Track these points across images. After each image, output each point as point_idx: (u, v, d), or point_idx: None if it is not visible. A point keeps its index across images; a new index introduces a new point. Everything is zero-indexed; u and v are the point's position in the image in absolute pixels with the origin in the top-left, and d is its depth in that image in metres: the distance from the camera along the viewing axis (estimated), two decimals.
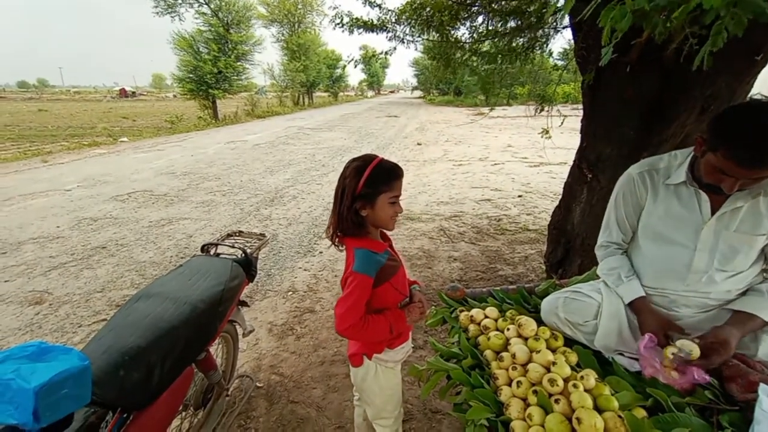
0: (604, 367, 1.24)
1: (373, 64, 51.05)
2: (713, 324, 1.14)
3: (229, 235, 1.85)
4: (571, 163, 2.31)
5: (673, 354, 1.05)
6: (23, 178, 6.34)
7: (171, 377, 1.20)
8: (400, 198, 1.14)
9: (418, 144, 10.27)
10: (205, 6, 15.99)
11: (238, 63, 17.17)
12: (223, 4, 16.35)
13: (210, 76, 15.71)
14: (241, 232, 1.89)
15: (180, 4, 15.50)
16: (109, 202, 5.09)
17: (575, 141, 2.25)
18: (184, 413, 1.56)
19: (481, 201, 5.15)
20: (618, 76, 1.71)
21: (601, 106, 1.99)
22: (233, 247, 1.71)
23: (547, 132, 2.59)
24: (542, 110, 2.58)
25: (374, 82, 62.68)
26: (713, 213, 1.13)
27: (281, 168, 7.23)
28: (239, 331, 1.79)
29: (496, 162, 7.75)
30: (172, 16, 15.53)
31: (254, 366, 2.14)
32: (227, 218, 4.49)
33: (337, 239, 1.16)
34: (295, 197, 5.33)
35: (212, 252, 1.71)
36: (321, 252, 3.63)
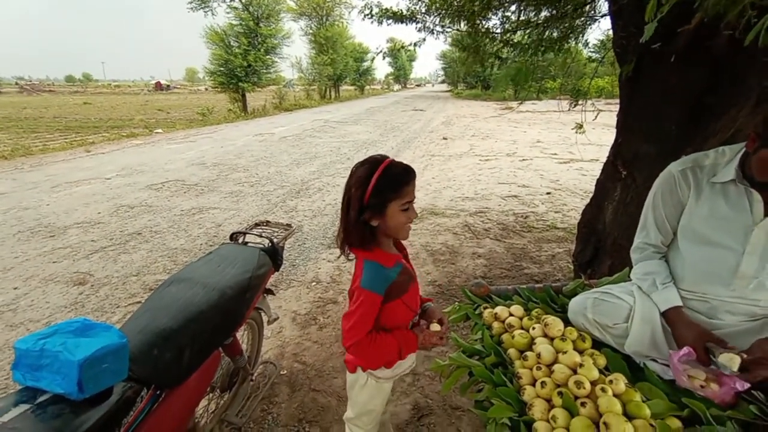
0: (635, 372, 1.19)
1: (400, 57, 50.63)
2: (759, 335, 1.06)
3: (256, 225, 1.89)
4: (604, 159, 2.21)
5: (712, 372, 0.99)
6: (69, 167, 6.73)
7: (200, 359, 1.24)
8: (416, 199, 1.04)
9: (444, 138, 10.13)
10: (237, 0, 16.32)
11: (267, 56, 17.47)
12: None
13: (240, 69, 16.07)
14: (268, 222, 1.93)
15: None
16: (144, 190, 5.33)
17: (608, 137, 2.15)
18: (210, 395, 1.62)
19: (508, 197, 5.03)
20: (661, 66, 1.61)
21: (641, 100, 1.88)
22: (261, 236, 1.75)
23: (581, 127, 2.48)
24: (576, 104, 2.47)
25: (401, 75, 62.22)
26: (766, 214, 1.06)
27: (307, 160, 7.33)
28: (264, 318, 1.84)
29: (524, 158, 7.54)
30: (205, 11, 15.95)
31: (278, 353, 2.19)
32: (255, 209, 4.61)
33: (347, 250, 1.08)
34: (321, 189, 5.40)
35: (240, 240, 1.76)
36: None
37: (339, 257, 3.36)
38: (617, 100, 2.09)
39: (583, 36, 2.51)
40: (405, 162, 1.04)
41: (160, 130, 11.54)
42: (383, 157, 1.01)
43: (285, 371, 2.05)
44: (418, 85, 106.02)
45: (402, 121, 14.49)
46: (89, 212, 4.45)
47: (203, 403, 1.60)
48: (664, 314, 1.17)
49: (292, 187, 5.55)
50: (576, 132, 2.56)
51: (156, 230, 3.97)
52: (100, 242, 3.66)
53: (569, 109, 2.65)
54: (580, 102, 2.49)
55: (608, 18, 2.05)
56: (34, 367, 0.85)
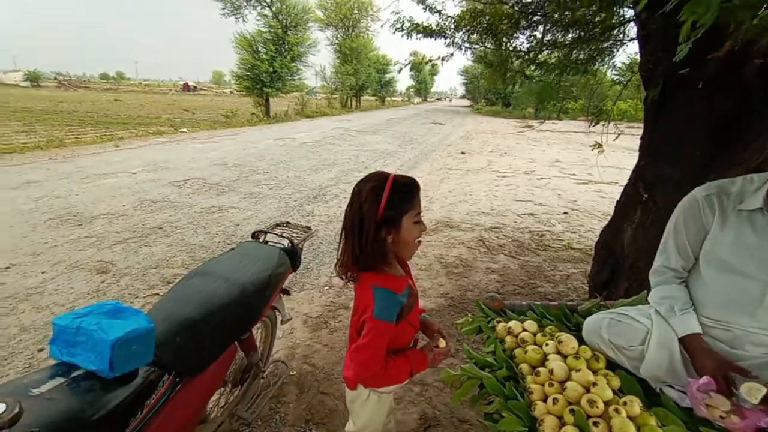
0: (651, 397, 1.18)
1: (422, 71, 51.15)
2: None
3: (277, 225, 1.95)
4: (624, 182, 2.20)
5: (733, 404, 0.97)
6: (99, 160, 7.01)
7: (218, 351, 1.28)
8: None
9: (462, 153, 10.16)
10: (268, 8, 16.86)
11: (293, 64, 17.91)
12: (284, 6, 17.16)
13: (266, 74, 16.50)
14: (288, 223, 1.98)
15: (245, 6, 16.47)
16: (167, 186, 5.50)
17: (628, 160, 2.15)
18: (222, 389, 1.65)
19: (524, 215, 5.00)
20: (688, 92, 1.61)
21: (666, 123, 1.88)
22: (281, 236, 1.80)
23: (600, 146, 2.48)
24: (596, 123, 2.47)
25: (422, 88, 62.76)
26: None
27: (326, 167, 7.44)
28: (278, 317, 1.88)
29: (542, 176, 7.49)
30: (236, 18, 16.53)
31: (288, 354, 2.22)
32: (272, 211, 4.70)
33: (354, 274, 1.02)
34: (337, 196, 5.47)
35: (261, 239, 1.81)
36: None
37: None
38: (639, 124, 2.09)
39: (610, 58, 2.52)
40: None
41: (185, 130, 11.91)
42: (386, 173, 0.98)
43: (294, 372, 2.07)
44: (438, 99, 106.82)
45: (421, 133, 14.59)
46: (115, 204, 4.61)
47: (214, 397, 1.63)
48: (682, 340, 1.15)
49: (309, 192, 5.64)
50: (595, 151, 2.55)
51: (176, 225, 4.08)
52: (123, 234, 3.79)
53: (590, 127, 2.64)
54: (601, 123, 2.48)
55: (635, 42, 2.07)
56: (70, 344, 0.90)
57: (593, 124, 2.52)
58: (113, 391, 0.89)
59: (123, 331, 0.91)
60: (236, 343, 1.45)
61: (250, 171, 6.72)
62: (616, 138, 2.46)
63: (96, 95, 32.01)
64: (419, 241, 1.03)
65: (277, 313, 1.85)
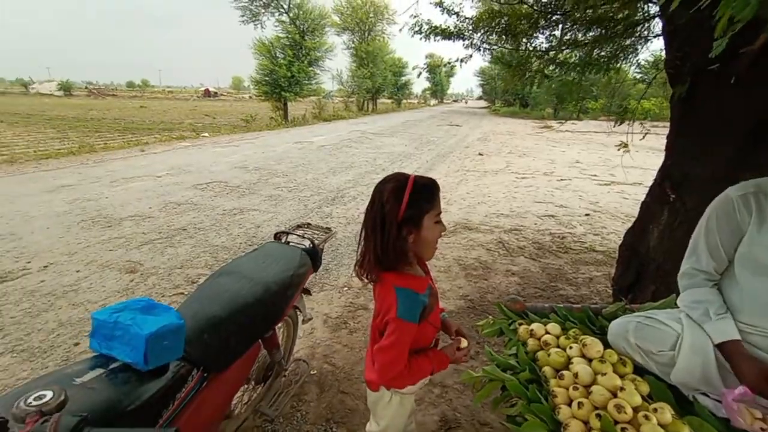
0: (683, 405, 1.13)
1: (438, 73, 51.02)
2: None
3: (299, 226, 1.98)
4: (648, 183, 2.13)
5: None
6: (126, 165, 7.28)
7: (243, 348, 1.32)
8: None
9: (480, 154, 10.06)
10: (285, 14, 17.19)
11: (310, 68, 18.18)
12: (301, 12, 17.46)
13: (284, 79, 16.81)
14: (309, 224, 2.01)
15: (263, 13, 16.84)
16: (190, 189, 5.67)
17: (652, 160, 2.09)
18: (246, 386, 1.69)
19: (544, 216, 4.91)
20: (719, 88, 1.56)
21: (694, 121, 1.82)
22: (302, 237, 1.83)
23: (626, 145, 2.42)
24: (621, 123, 2.40)
25: (438, 90, 62.56)
26: None
27: (343, 169, 7.51)
28: (300, 317, 1.91)
29: (563, 178, 7.34)
30: (255, 24, 16.92)
31: (308, 353, 2.25)
32: (292, 213, 4.77)
33: (374, 275, 1.03)
34: (355, 198, 5.51)
35: (283, 240, 1.85)
36: None
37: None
38: (664, 123, 2.02)
39: (634, 56, 2.46)
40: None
41: (206, 134, 12.24)
42: (406, 174, 0.99)
43: (315, 371, 2.10)
44: (454, 101, 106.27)
45: (438, 135, 14.54)
46: (141, 207, 4.78)
47: (238, 393, 1.67)
48: (720, 347, 1.10)
49: (327, 194, 5.71)
50: (620, 150, 2.49)
51: (200, 227, 4.20)
52: (149, 235, 3.92)
53: (614, 127, 2.57)
54: (626, 122, 2.42)
55: (660, 38, 2.01)
56: (108, 337, 0.95)
57: (617, 123, 2.46)
58: (147, 383, 0.93)
59: (156, 327, 0.95)
60: (260, 341, 1.48)
61: (270, 174, 6.85)
62: (643, 137, 2.39)
63: (123, 102, 33.30)
64: (438, 243, 1.04)
65: (298, 313, 1.88)
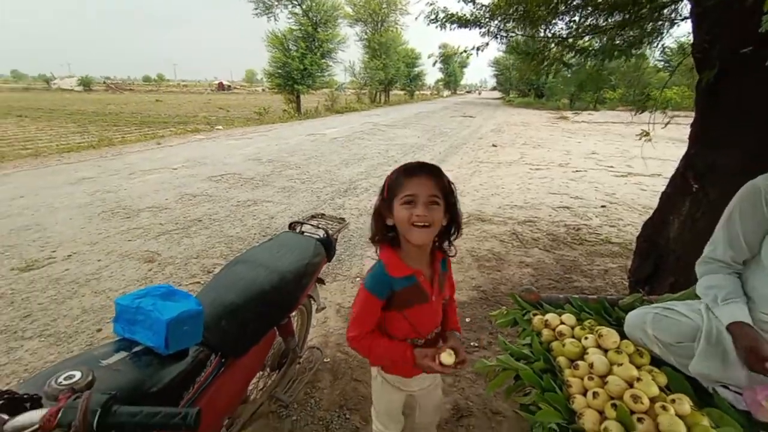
0: (702, 397, 1.12)
1: (451, 63, 50.27)
2: None
3: (313, 216, 2.00)
4: (667, 174, 2.07)
5: None
6: (143, 157, 7.44)
7: (260, 334, 1.34)
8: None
9: (494, 145, 9.93)
10: (298, 6, 17.13)
11: (323, 60, 18.13)
12: (314, 4, 17.37)
13: (296, 72, 16.81)
14: (323, 214, 2.03)
15: (276, 5, 16.81)
16: (205, 181, 5.76)
17: (672, 151, 2.03)
18: (262, 372, 1.73)
19: (559, 208, 4.83)
20: (750, 73, 1.49)
21: (721, 108, 1.75)
22: (317, 227, 1.84)
23: (647, 134, 2.34)
24: (643, 111, 2.32)
25: (451, 81, 61.70)
26: None
27: (356, 161, 7.51)
28: (314, 306, 1.93)
29: (578, 169, 7.19)
30: (268, 17, 16.91)
31: (322, 342, 2.28)
32: (305, 204, 4.81)
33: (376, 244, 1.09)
34: (367, 190, 5.52)
35: (298, 230, 1.86)
36: None
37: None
38: (686, 113, 1.95)
39: (660, 40, 2.35)
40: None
41: (220, 127, 12.38)
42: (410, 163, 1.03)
43: (328, 359, 2.13)
44: (468, 92, 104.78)
45: (451, 126, 14.38)
46: (158, 198, 4.89)
47: (254, 380, 1.71)
48: (729, 329, 1.09)
49: (340, 185, 5.73)
50: (641, 139, 2.41)
51: (215, 218, 4.27)
52: (166, 226, 4.01)
53: (634, 116, 2.49)
54: (648, 111, 2.33)
55: (688, 21, 1.93)
56: (131, 322, 0.98)
57: (638, 112, 2.38)
58: (169, 367, 0.96)
59: (176, 312, 0.97)
60: (275, 328, 1.51)
61: (283, 166, 6.90)
62: (665, 126, 2.31)
63: (139, 97, 33.89)
64: (414, 228, 0.96)
65: (312, 302, 1.90)
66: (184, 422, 0.62)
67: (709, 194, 1.77)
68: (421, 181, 0.96)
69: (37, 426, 0.60)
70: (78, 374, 0.70)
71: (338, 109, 20.48)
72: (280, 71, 16.99)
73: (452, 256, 1.14)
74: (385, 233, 1.05)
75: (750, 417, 1.02)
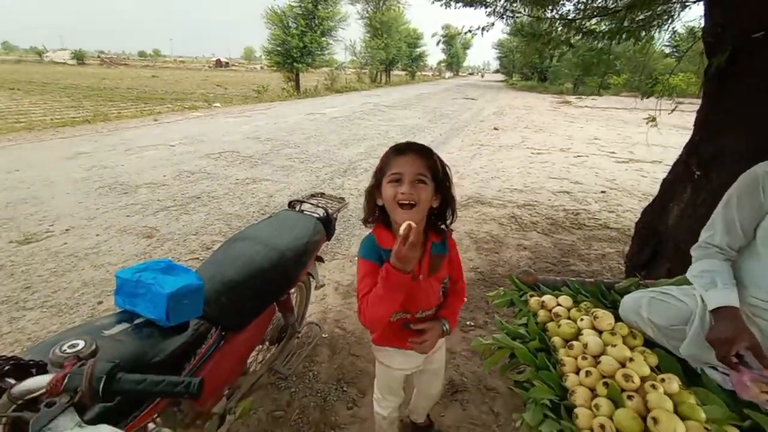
0: (690, 377, 1.15)
1: (454, 44, 49.17)
2: None
3: (313, 195, 1.99)
4: (668, 161, 2.06)
5: None
6: (140, 134, 7.34)
7: (259, 310, 1.36)
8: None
9: (495, 129, 9.83)
10: None
11: (323, 38, 17.69)
12: None
13: (296, 50, 16.42)
14: (323, 193, 2.02)
15: None
16: (203, 158, 5.70)
17: (675, 138, 2.01)
18: (261, 346, 1.76)
19: (559, 192, 4.83)
20: (764, 58, 1.46)
21: (730, 94, 1.73)
22: (317, 206, 1.84)
23: (654, 119, 2.31)
24: (649, 96, 2.28)
25: (453, 62, 60.51)
26: None
27: (355, 142, 7.44)
28: (312, 283, 1.95)
29: (579, 154, 7.16)
30: None
31: (320, 318, 2.32)
32: (304, 183, 4.79)
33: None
34: (367, 170, 5.48)
35: (297, 208, 1.86)
36: None
37: None
38: (690, 100, 1.92)
39: (670, 23, 2.29)
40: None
41: (218, 105, 12.18)
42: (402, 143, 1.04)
43: (326, 335, 2.17)
44: (470, 74, 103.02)
45: (452, 108, 14.20)
46: (156, 175, 4.85)
47: (254, 353, 1.74)
48: (716, 311, 1.08)
49: (339, 166, 5.69)
50: (648, 125, 2.38)
51: (213, 195, 4.25)
52: (164, 202, 4.00)
53: (641, 100, 2.45)
54: (654, 97, 2.30)
55: (700, 4, 1.88)
56: (132, 295, 0.99)
57: (644, 97, 2.34)
58: (170, 339, 0.97)
59: (177, 286, 0.98)
60: (275, 304, 1.52)
61: (282, 145, 6.83)
62: (671, 112, 2.28)
63: (135, 72, 33.12)
64: (399, 206, 0.94)
65: (311, 279, 1.92)
66: (187, 390, 0.63)
67: (712, 181, 1.76)
68: (408, 160, 0.96)
69: (43, 390, 0.61)
70: (82, 343, 0.71)
71: (338, 89, 20.12)
72: (279, 49, 16.59)
73: (447, 238, 1.11)
74: (376, 214, 1.06)
75: (735, 396, 1.05)
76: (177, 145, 6.43)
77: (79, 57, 46.58)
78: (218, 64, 57.10)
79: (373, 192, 1.05)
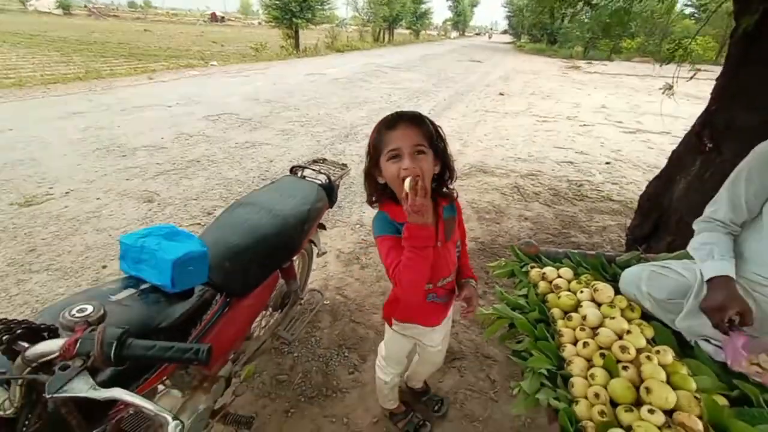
0: (684, 350, 1.18)
1: (461, 1, 46.59)
2: None
3: (314, 161, 1.95)
4: (676, 132, 2.00)
5: None
6: (134, 93, 7.11)
7: (263, 276, 1.37)
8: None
9: (501, 94, 9.54)
10: None
11: None
12: None
13: (295, 3, 15.57)
14: (325, 159, 1.98)
15: None
16: (201, 120, 5.57)
17: (686, 108, 1.93)
18: (265, 312, 1.80)
19: (563, 162, 4.77)
20: None
21: (757, 60, 1.64)
22: (319, 172, 1.81)
23: (671, 88, 2.22)
24: (670, 62, 2.17)
25: (460, 21, 57.65)
26: None
27: (357, 105, 7.24)
28: (315, 250, 1.96)
29: (586, 123, 6.99)
30: None
31: (322, 285, 2.36)
32: (304, 148, 4.71)
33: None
34: (368, 135, 5.36)
35: (299, 174, 1.83)
36: None
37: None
38: (705, 67, 1.83)
39: None
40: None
41: (215, 63, 11.72)
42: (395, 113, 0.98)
43: (328, 302, 2.21)
44: (477, 34, 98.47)
45: (457, 71, 13.70)
46: (154, 137, 4.75)
47: (257, 318, 1.78)
48: (710, 281, 1.09)
49: (341, 130, 5.57)
50: (663, 93, 2.29)
51: (212, 159, 4.19)
52: (164, 166, 3.94)
53: (661, 66, 2.34)
54: (673, 62, 2.18)
55: None
56: (136, 260, 0.99)
57: (663, 63, 2.23)
58: (176, 305, 0.98)
59: (181, 252, 0.98)
60: (278, 271, 1.54)
61: (282, 107, 6.65)
62: (690, 79, 2.18)
63: (125, 25, 31.57)
64: (405, 183, 0.88)
65: (313, 246, 1.92)
66: (196, 357, 0.64)
67: (723, 153, 1.72)
68: (403, 133, 0.93)
69: (56, 354, 0.62)
70: (90, 308, 0.71)
71: (339, 48, 19.30)
72: (277, 2, 15.70)
73: (454, 199, 1.11)
74: (380, 193, 1.04)
75: (726, 368, 1.08)
76: (174, 106, 6.26)
77: (65, 6, 44.24)
78: (213, 18, 54.36)
79: (371, 172, 1.01)
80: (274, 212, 1.43)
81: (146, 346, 0.64)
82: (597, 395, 0.99)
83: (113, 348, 0.62)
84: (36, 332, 0.67)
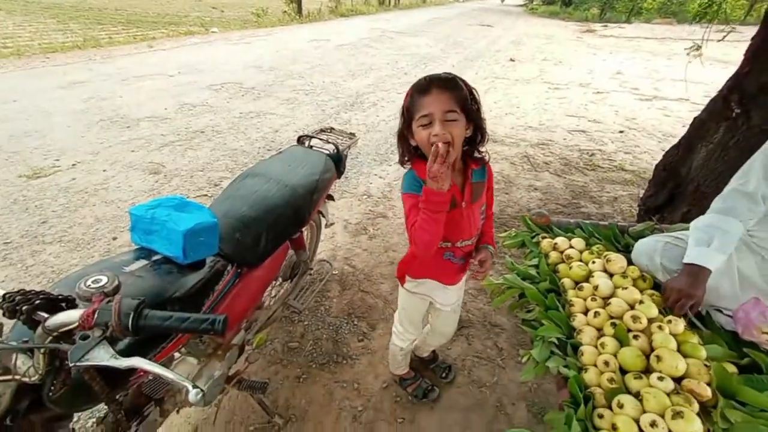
0: (696, 319, 1.17)
1: None
2: None
3: (322, 130, 1.91)
4: (695, 99, 1.90)
5: None
6: (135, 62, 6.93)
7: (273, 247, 1.37)
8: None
9: (511, 60, 9.15)
10: None
11: None
12: None
13: None
14: (332, 128, 1.94)
15: None
16: (204, 90, 5.45)
17: (707, 73, 1.81)
18: (275, 282, 1.82)
19: (575, 131, 4.63)
20: None
21: None
22: (327, 142, 1.77)
23: (699, 48, 2.09)
24: (700, 20, 2.03)
25: None
26: None
27: (363, 72, 7.01)
28: (323, 221, 1.95)
29: (600, 90, 6.72)
30: None
31: (330, 256, 2.37)
32: (309, 118, 4.61)
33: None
34: (375, 104, 5.23)
35: (306, 144, 1.79)
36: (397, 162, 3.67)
37: (389, 174, 3.39)
38: (740, 27, 1.70)
39: None
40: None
41: (215, 30, 11.34)
42: (429, 76, 0.97)
43: (336, 272, 2.23)
44: None
45: (466, 36, 13.12)
46: (157, 107, 4.68)
47: (268, 289, 1.81)
48: (689, 264, 1.09)
49: (346, 99, 5.43)
50: (689, 54, 2.16)
51: (217, 130, 4.13)
52: (168, 137, 3.90)
53: (691, 24, 2.20)
54: (705, 22, 2.03)
55: None
56: (147, 232, 0.98)
57: (696, 21, 2.07)
58: (188, 275, 0.99)
59: (192, 223, 0.97)
60: (288, 241, 1.54)
61: (286, 75, 6.47)
62: (722, 39, 2.03)
63: None
64: (436, 148, 0.87)
65: (322, 217, 1.92)
66: (213, 327, 0.65)
67: (752, 119, 1.64)
68: (434, 98, 0.92)
69: (76, 324, 0.63)
70: (105, 279, 0.72)
71: (343, 12, 18.48)
72: None
73: (486, 163, 1.11)
74: (412, 154, 1.06)
75: (736, 337, 1.08)
76: (176, 75, 6.11)
77: None
78: None
79: (403, 134, 1.03)
80: (283, 183, 1.41)
81: (163, 316, 0.65)
82: (607, 363, 1.00)
83: (130, 319, 0.62)
84: (54, 303, 0.68)
